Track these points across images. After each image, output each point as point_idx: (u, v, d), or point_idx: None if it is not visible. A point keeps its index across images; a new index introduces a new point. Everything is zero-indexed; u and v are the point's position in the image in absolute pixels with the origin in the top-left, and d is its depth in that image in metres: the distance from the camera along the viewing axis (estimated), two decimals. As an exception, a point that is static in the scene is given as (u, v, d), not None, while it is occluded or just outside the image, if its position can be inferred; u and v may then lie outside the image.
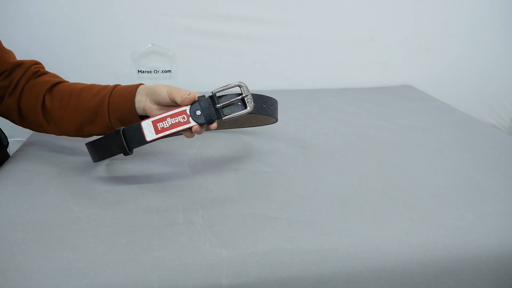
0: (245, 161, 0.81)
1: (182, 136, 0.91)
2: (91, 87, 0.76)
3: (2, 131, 0.84)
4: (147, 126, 0.64)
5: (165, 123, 0.64)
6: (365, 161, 0.83)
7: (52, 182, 0.71)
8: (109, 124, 0.73)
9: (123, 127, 0.65)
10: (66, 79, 0.80)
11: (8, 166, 0.76)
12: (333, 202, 0.67)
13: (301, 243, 0.57)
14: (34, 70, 0.77)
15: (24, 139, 0.90)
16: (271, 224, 0.61)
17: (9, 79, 0.74)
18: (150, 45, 1.19)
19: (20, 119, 0.78)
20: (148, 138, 0.64)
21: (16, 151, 0.83)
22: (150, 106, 0.70)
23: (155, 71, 1.21)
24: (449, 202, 0.68)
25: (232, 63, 1.30)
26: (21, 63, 0.76)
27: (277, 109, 0.78)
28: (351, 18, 1.32)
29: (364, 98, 1.26)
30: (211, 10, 1.23)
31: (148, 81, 1.22)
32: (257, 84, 1.35)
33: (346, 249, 0.56)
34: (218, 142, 0.90)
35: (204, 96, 0.65)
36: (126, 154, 0.66)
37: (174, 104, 0.69)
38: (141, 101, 0.71)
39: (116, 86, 0.75)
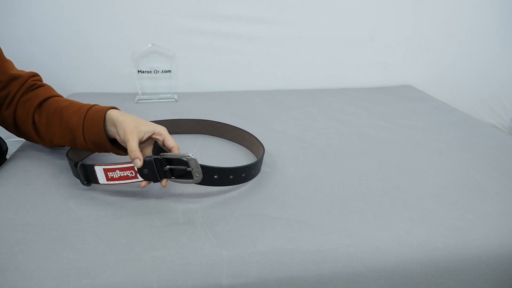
0: (245, 161, 0.81)
1: (181, 136, 0.91)
2: (71, 105, 0.74)
3: (1, 138, 0.84)
4: (99, 171, 0.65)
5: (115, 173, 0.64)
6: (365, 161, 0.83)
7: (52, 182, 0.71)
8: (85, 146, 0.72)
9: (81, 162, 0.67)
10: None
11: (8, 166, 0.76)
12: (333, 202, 0.67)
13: (301, 243, 0.57)
14: (31, 83, 0.77)
15: (24, 140, 0.90)
16: (271, 224, 0.61)
17: (5, 91, 0.75)
18: (150, 45, 1.19)
19: (16, 130, 0.79)
20: (100, 182, 0.66)
21: (16, 151, 0.83)
22: (119, 138, 0.68)
23: (155, 71, 1.21)
24: (449, 202, 0.68)
25: (232, 63, 1.30)
26: (19, 76, 0.76)
27: (249, 175, 0.71)
28: (351, 18, 1.32)
29: (364, 98, 1.26)
30: (211, 10, 1.23)
31: (148, 81, 1.22)
32: (257, 84, 1.35)
33: (346, 249, 0.56)
34: (218, 142, 0.90)
35: (151, 157, 0.62)
36: (83, 184, 0.69)
37: (152, 139, 0.69)
38: (112, 130, 0.69)
39: (90, 107, 0.72)
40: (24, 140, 0.90)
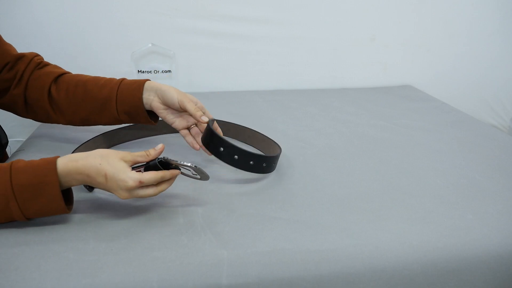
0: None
1: (181, 137, 0.91)
2: (96, 79, 0.77)
3: (2, 129, 0.84)
4: None
5: None
6: (365, 161, 0.83)
7: (52, 182, 0.71)
8: (117, 117, 0.75)
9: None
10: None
11: (8, 166, 0.76)
12: (333, 202, 0.67)
13: (301, 243, 0.57)
14: (37, 61, 0.79)
15: (24, 139, 0.90)
16: (271, 224, 0.61)
17: (13, 71, 0.76)
18: (150, 45, 1.20)
19: (25, 110, 0.79)
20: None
21: (16, 151, 0.83)
22: (157, 105, 0.74)
23: (155, 71, 1.21)
24: (449, 202, 0.68)
25: (232, 63, 1.30)
26: (23, 55, 0.77)
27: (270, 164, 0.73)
28: (352, 18, 1.32)
29: (364, 98, 1.26)
30: (211, 10, 1.22)
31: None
32: (257, 84, 1.35)
33: (346, 249, 0.56)
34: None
35: (155, 161, 0.61)
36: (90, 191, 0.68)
37: (182, 111, 0.73)
38: (149, 99, 0.73)
39: (122, 80, 0.76)
40: (24, 140, 0.90)
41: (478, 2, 1.37)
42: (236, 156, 0.68)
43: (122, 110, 0.74)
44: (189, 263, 0.53)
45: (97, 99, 0.74)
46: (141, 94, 0.73)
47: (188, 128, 0.78)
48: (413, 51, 1.41)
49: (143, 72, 1.21)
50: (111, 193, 0.67)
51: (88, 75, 0.79)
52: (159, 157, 0.61)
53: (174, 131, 0.91)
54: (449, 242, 0.59)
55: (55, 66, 0.81)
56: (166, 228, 0.59)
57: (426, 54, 1.42)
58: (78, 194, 0.67)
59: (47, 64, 0.80)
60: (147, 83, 0.74)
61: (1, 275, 0.49)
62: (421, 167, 0.80)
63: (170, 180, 0.61)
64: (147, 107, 0.74)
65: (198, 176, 0.64)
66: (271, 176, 0.76)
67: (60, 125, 0.83)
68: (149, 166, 0.61)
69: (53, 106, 0.77)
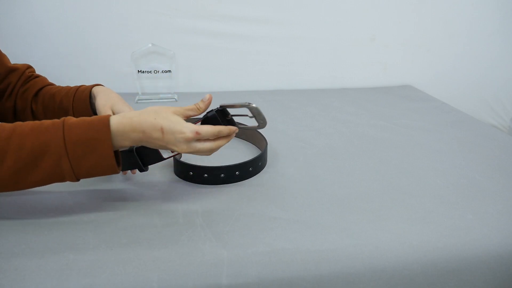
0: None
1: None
2: (62, 89, 0.78)
3: None
4: None
5: None
6: (365, 161, 0.83)
7: (52, 182, 0.71)
8: None
9: (135, 146, 0.63)
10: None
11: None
12: (333, 202, 0.67)
13: (301, 243, 0.57)
14: (28, 74, 0.80)
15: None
16: (271, 224, 0.61)
17: (5, 82, 0.76)
18: (150, 45, 1.20)
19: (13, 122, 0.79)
20: (165, 156, 0.65)
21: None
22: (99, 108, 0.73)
23: (155, 71, 1.21)
24: (449, 202, 0.68)
25: (232, 63, 1.30)
26: (16, 68, 0.78)
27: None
28: (352, 18, 1.32)
29: (364, 98, 1.26)
30: (211, 10, 1.23)
31: (148, 81, 1.22)
32: (257, 84, 1.35)
33: (346, 249, 0.56)
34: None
35: (213, 111, 0.62)
36: (141, 170, 0.66)
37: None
38: (93, 103, 0.75)
39: (79, 87, 0.77)
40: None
41: (478, 2, 1.37)
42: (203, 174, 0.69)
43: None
44: (189, 263, 0.53)
45: (62, 110, 0.75)
46: (88, 99, 0.74)
47: None
48: (413, 51, 1.41)
49: (143, 72, 1.21)
50: (111, 193, 0.67)
51: (59, 86, 0.79)
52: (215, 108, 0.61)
53: None
54: (449, 242, 0.59)
55: (41, 79, 0.81)
56: (166, 228, 0.59)
57: (426, 54, 1.42)
58: (78, 194, 0.67)
59: (37, 76, 0.81)
60: (93, 89, 0.75)
61: (1, 275, 0.49)
62: (421, 167, 0.80)
63: (228, 136, 0.60)
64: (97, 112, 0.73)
65: (256, 124, 0.62)
66: (271, 176, 0.76)
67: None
68: (207, 118, 0.60)
69: (35, 119, 0.77)
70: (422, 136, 0.97)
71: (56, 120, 0.55)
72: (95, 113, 0.73)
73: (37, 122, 0.55)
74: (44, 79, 0.82)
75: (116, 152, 0.58)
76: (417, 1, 1.34)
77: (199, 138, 0.57)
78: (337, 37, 1.34)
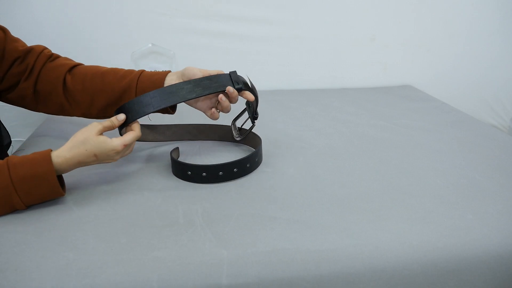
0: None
1: (181, 137, 0.91)
2: (114, 70, 0.79)
3: (6, 129, 0.84)
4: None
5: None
6: (365, 161, 0.83)
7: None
8: None
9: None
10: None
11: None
12: (333, 202, 0.67)
13: (301, 243, 0.57)
14: (47, 54, 0.79)
15: (24, 139, 0.90)
16: (271, 224, 0.61)
17: (24, 64, 0.76)
18: (150, 45, 1.20)
19: (35, 103, 0.79)
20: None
21: (16, 151, 0.83)
22: None
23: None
24: (449, 202, 0.68)
25: (232, 63, 1.30)
26: (31, 49, 0.78)
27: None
28: (352, 18, 1.32)
29: (364, 98, 1.26)
30: (211, 10, 1.23)
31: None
32: (257, 84, 1.35)
33: (346, 249, 0.56)
34: (217, 142, 0.90)
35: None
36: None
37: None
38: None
39: (142, 71, 0.78)
40: (25, 139, 0.90)
41: (478, 2, 1.37)
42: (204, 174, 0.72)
43: None
44: (189, 263, 0.53)
45: (116, 90, 0.76)
46: (163, 83, 0.75)
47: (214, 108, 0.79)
48: (413, 51, 1.41)
49: (143, 72, 1.20)
50: (111, 193, 0.68)
51: (104, 67, 0.80)
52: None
53: (170, 138, 0.90)
54: (449, 242, 0.59)
55: (66, 58, 0.82)
56: (166, 228, 0.59)
57: (426, 54, 1.42)
58: (78, 194, 0.67)
59: (58, 56, 0.81)
60: (169, 74, 0.77)
61: (1, 275, 0.49)
62: (421, 167, 0.80)
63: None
64: None
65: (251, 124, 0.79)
66: (271, 176, 0.76)
67: (61, 125, 0.83)
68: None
69: (68, 98, 0.77)
70: (422, 136, 0.97)
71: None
72: None
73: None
74: (67, 58, 0.82)
75: (59, 177, 0.64)
76: (417, 1, 1.34)
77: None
78: (337, 37, 1.34)
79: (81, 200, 0.65)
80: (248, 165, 0.75)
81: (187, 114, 0.94)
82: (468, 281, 0.58)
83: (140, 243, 0.56)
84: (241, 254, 0.54)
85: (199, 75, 0.73)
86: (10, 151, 0.89)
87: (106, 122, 0.66)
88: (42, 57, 0.78)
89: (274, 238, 0.58)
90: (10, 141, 0.85)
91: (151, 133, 0.87)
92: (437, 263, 0.57)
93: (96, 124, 0.65)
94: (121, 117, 0.68)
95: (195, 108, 0.78)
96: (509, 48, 1.45)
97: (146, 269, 0.51)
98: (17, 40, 0.78)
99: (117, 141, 0.64)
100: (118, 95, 0.76)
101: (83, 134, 0.63)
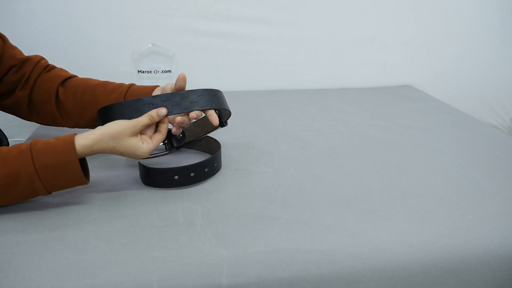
0: (245, 161, 0.81)
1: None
2: (105, 83, 0.79)
3: (2, 132, 0.84)
4: None
5: None
6: (365, 161, 0.83)
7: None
8: None
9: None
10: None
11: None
12: (333, 202, 0.67)
13: (301, 243, 0.57)
14: (44, 64, 0.80)
15: (24, 139, 0.90)
16: (271, 224, 0.61)
17: (20, 73, 0.76)
18: (150, 45, 1.19)
19: (29, 113, 0.79)
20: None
21: (16, 151, 0.83)
22: None
23: (155, 71, 1.21)
24: (449, 202, 0.68)
25: (232, 63, 1.30)
26: (28, 58, 0.78)
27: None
28: (352, 18, 1.32)
29: (364, 98, 1.26)
30: (211, 10, 1.22)
31: (147, 81, 1.22)
32: (257, 84, 1.35)
33: (346, 249, 0.56)
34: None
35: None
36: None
37: None
38: None
39: (131, 85, 0.78)
40: (25, 139, 0.90)
41: (478, 2, 1.37)
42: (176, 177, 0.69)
43: None
44: (189, 263, 0.53)
45: (104, 103, 0.75)
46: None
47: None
48: (413, 51, 1.41)
49: (143, 72, 1.20)
50: (111, 193, 0.68)
51: (96, 80, 0.80)
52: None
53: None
54: (449, 242, 0.59)
55: (62, 70, 0.82)
56: (166, 228, 0.59)
57: (426, 54, 1.42)
58: (78, 194, 0.67)
59: (54, 67, 0.81)
60: (156, 89, 0.77)
61: (1, 275, 0.49)
62: (421, 167, 0.80)
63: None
64: None
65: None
66: (271, 176, 0.76)
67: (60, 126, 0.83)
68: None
69: (60, 109, 0.78)
70: (422, 136, 0.97)
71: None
72: None
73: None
74: (63, 69, 0.82)
75: (83, 162, 0.63)
76: (417, 1, 1.34)
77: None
78: (337, 37, 1.34)
79: (81, 200, 0.65)
80: (206, 170, 0.72)
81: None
82: (468, 281, 0.58)
83: (140, 243, 0.56)
84: (241, 254, 0.54)
85: (169, 87, 0.74)
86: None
87: (144, 119, 0.64)
88: (38, 67, 0.78)
89: (274, 238, 0.58)
90: (8, 144, 0.85)
91: None
92: (437, 263, 0.57)
93: (133, 124, 0.63)
94: (163, 112, 0.65)
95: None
96: (509, 48, 1.45)
97: (146, 269, 0.51)
98: (15, 48, 0.79)
99: (147, 148, 0.64)
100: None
101: (116, 129, 0.62)
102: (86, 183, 0.62)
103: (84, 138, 0.60)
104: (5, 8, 1.11)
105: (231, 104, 0.99)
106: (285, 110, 1.14)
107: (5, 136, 0.85)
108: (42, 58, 0.81)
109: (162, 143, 0.75)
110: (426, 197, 0.70)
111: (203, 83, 1.31)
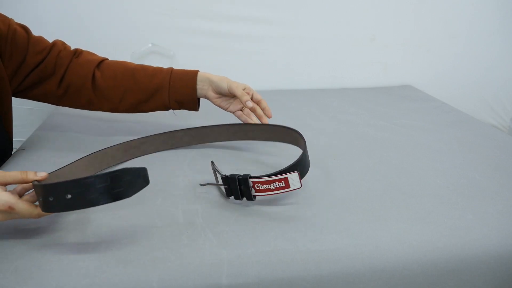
0: (245, 161, 0.81)
1: (179, 137, 0.90)
2: (143, 67, 0.81)
3: (7, 134, 0.83)
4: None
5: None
6: (365, 161, 0.83)
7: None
8: (167, 104, 0.82)
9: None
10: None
11: (8, 166, 0.76)
12: (333, 202, 0.67)
13: (301, 243, 0.57)
14: (70, 50, 0.81)
15: (24, 139, 0.90)
16: (271, 224, 0.61)
17: (47, 61, 0.77)
18: (150, 45, 1.20)
19: (60, 98, 0.80)
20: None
21: (16, 151, 0.83)
22: (212, 95, 0.82)
23: (155, 71, 1.21)
24: (449, 202, 0.68)
25: (232, 63, 1.30)
26: (53, 45, 0.80)
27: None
28: (352, 18, 1.32)
29: (364, 98, 1.26)
30: (211, 10, 1.23)
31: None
32: (257, 84, 1.35)
33: (346, 249, 0.56)
34: (217, 142, 0.90)
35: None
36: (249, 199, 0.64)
37: (233, 96, 0.83)
38: (203, 89, 0.81)
39: (172, 69, 0.81)
40: (24, 140, 0.90)
41: (478, 2, 1.37)
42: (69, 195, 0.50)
43: (174, 98, 0.80)
44: (189, 263, 0.53)
45: (148, 88, 0.79)
46: (195, 84, 0.80)
47: (241, 110, 0.87)
48: (413, 51, 1.41)
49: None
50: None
51: (132, 63, 0.82)
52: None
53: (156, 150, 0.85)
54: (449, 242, 0.59)
55: (90, 53, 0.83)
56: (166, 228, 0.59)
57: (426, 54, 1.42)
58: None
59: (82, 51, 0.82)
60: (199, 74, 0.81)
61: (1, 275, 0.49)
62: (421, 167, 0.80)
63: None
64: (200, 96, 0.82)
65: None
66: (271, 176, 0.75)
67: (61, 125, 0.83)
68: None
69: (96, 93, 0.79)
70: (422, 136, 0.97)
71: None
72: (195, 97, 0.82)
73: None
74: (91, 52, 0.84)
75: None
76: (417, 1, 1.34)
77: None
78: (337, 37, 1.34)
79: (81, 200, 0.65)
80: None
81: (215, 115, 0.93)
82: (468, 281, 0.58)
83: (140, 243, 0.56)
84: (241, 254, 0.54)
85: (226, 88, 0.80)
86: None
87: (15, 173, 0.52)
88: (66, 54, 0.79)
89: (274, 238, 0.58)
90: (11, 146, 0.85)
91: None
92: (437, 263, 0.57)
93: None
94: (42, 174, 0.54)
95: (229, 111, 0.86)
96: (509, 48, 1.45)
97: (146, 269, 0.51)
98: (39, 38, 0.79)
99: (5, 197, 0.50)
100: (150, 94, 0.80)
101: None
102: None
103: None
104: (5, 8, 1.11)
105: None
106: (285, 110, 1.14)
107: (11, 140, 0.85)
108: (64, 43, 0.82)
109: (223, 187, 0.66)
110: (426, 197, 0.70)
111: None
